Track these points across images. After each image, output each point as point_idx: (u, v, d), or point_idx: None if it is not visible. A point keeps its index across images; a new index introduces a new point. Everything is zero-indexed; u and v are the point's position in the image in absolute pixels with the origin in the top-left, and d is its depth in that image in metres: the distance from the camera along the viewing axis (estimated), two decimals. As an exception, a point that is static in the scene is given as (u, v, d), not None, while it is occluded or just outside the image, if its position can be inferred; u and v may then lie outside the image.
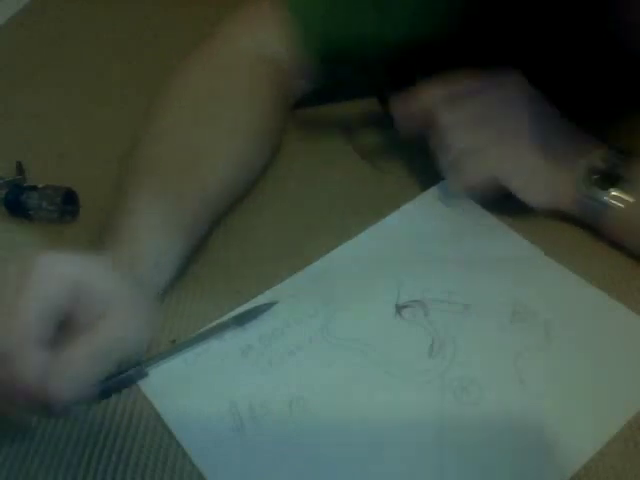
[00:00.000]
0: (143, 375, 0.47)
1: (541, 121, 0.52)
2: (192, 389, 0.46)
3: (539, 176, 0.52)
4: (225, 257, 0.55)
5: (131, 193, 0.49)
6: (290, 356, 0.48)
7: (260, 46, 0.58)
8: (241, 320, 0.50)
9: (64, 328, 0.37)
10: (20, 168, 0.63)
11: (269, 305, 0.50)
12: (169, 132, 0.53)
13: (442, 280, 0.52)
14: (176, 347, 0.48)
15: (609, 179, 0.50)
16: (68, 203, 0.58)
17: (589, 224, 0.53)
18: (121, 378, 0.46)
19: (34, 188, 0.59)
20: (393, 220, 0.57)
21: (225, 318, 0.50)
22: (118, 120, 0.70)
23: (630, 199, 0.49)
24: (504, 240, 0.55)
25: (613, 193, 0.50)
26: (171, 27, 0.84)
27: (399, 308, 0.50)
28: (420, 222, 0.57)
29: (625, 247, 0.52)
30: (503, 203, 0.55)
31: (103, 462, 0.43)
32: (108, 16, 0.87)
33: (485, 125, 0.52)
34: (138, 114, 0.70)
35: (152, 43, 0.81)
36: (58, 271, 0.36)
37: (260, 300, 0.51)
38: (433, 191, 0.59)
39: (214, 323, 0.50)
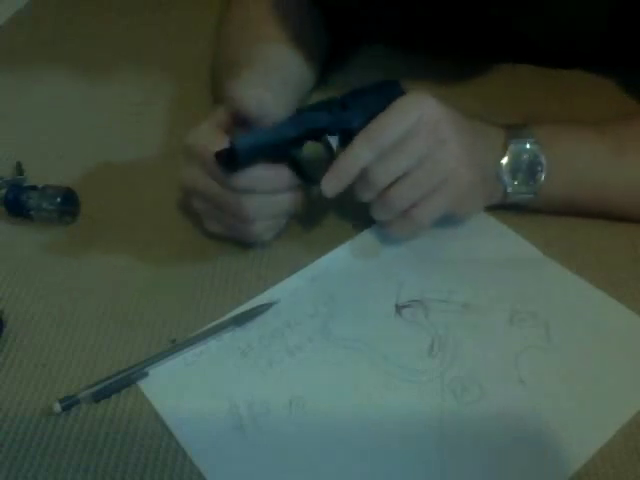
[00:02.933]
0: (143, 375, 0.47)
1: (463, 140, 0.49)
2: (192, 389, 0.46)
3: (475, 191, 0.51)
4: (225, 257, 0.55)
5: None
6: (290, 356, 0.48)
7: None
8: (241, 320, 0.50)
9: None
10: (20, 168, 0.63)
11: (269, 305, 0.50)
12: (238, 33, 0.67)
13: (442, 280, 0.52)
14: (176, 347, 0.48)
15: (530, 169, 0.51)
16: (68, 203, 0.58)
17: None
18: (121, 378, 0.46)
19: (34, 188, 0.59)
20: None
21: (225, 318, 0.50)
22: (118, 120, 0.70)
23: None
24: (504, 240, 0.55)
25: (540, 182, 0.52)
26: (171, 27, 0.84)
27: (399, 308, 0.50)
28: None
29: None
30: (502, 203, 0.54)
31: (103, 462, 0.43)
32: (108, 16, 0.87)
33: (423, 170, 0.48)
34: (138, 113, 0.71)
35: (152, 43, 0.81)
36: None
37: (260, 300, 0.51)
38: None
39: (214, 323, 0.50)
